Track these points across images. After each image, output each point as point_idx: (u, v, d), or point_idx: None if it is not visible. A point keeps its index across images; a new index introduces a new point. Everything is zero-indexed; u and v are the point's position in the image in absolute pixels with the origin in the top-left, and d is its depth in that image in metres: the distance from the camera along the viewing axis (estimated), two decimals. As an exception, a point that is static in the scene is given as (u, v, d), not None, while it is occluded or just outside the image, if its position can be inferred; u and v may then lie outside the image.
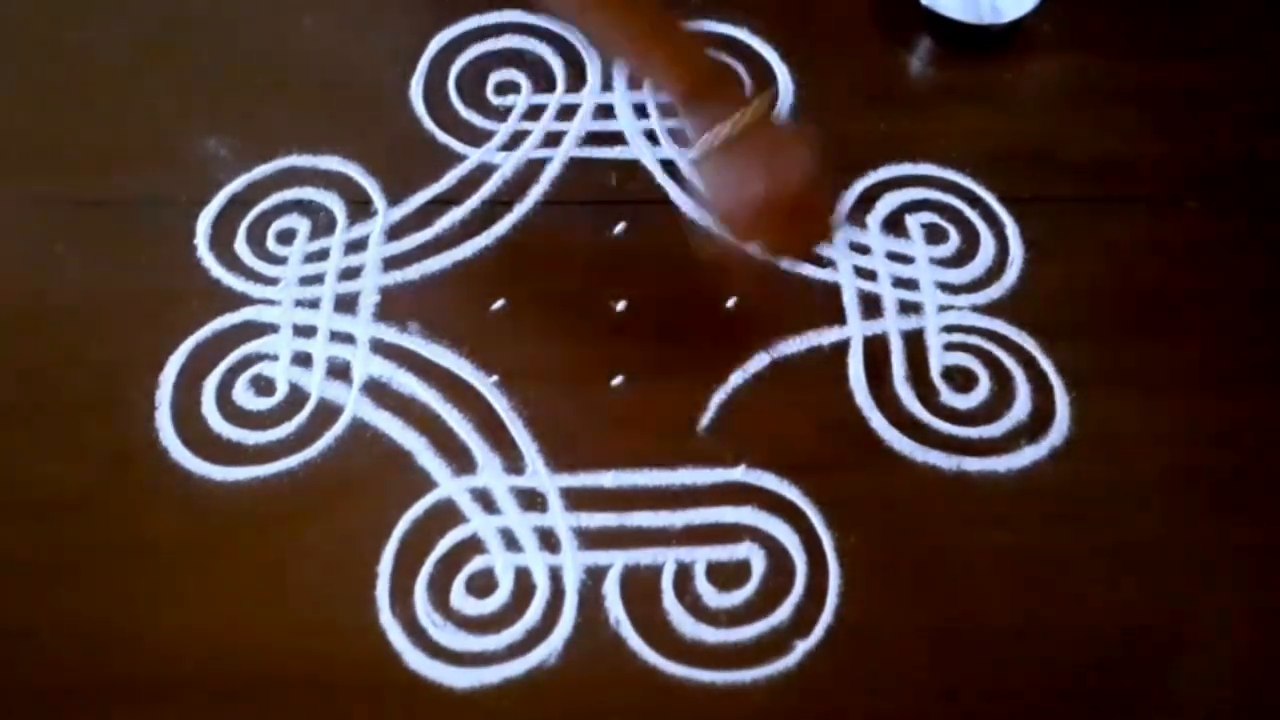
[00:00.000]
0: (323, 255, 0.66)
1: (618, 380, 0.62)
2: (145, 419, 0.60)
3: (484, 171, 0.69)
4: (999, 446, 0.60)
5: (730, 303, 0.65)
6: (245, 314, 0.64)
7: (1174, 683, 0.54)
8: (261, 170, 0.69)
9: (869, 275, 0.66)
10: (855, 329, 0.64)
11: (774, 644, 0.54)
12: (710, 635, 0.55)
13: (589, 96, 0.73)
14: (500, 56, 0.75)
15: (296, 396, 0.61)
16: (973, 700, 0.54)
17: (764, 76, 0.73)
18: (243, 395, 0.61)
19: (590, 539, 0.57)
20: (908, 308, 0.65)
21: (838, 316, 0.64)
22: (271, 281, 0.65)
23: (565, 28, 0.75)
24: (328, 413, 0.61)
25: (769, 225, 0.59)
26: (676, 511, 0.58)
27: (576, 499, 0.58)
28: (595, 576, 0.56)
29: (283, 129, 0.70)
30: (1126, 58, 0.75)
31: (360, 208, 0.68)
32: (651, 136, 0.71)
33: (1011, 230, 0.67)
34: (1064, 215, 0.68)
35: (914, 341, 0.63)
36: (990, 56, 0.75)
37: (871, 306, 0.65)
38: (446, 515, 0.58)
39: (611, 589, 0.56)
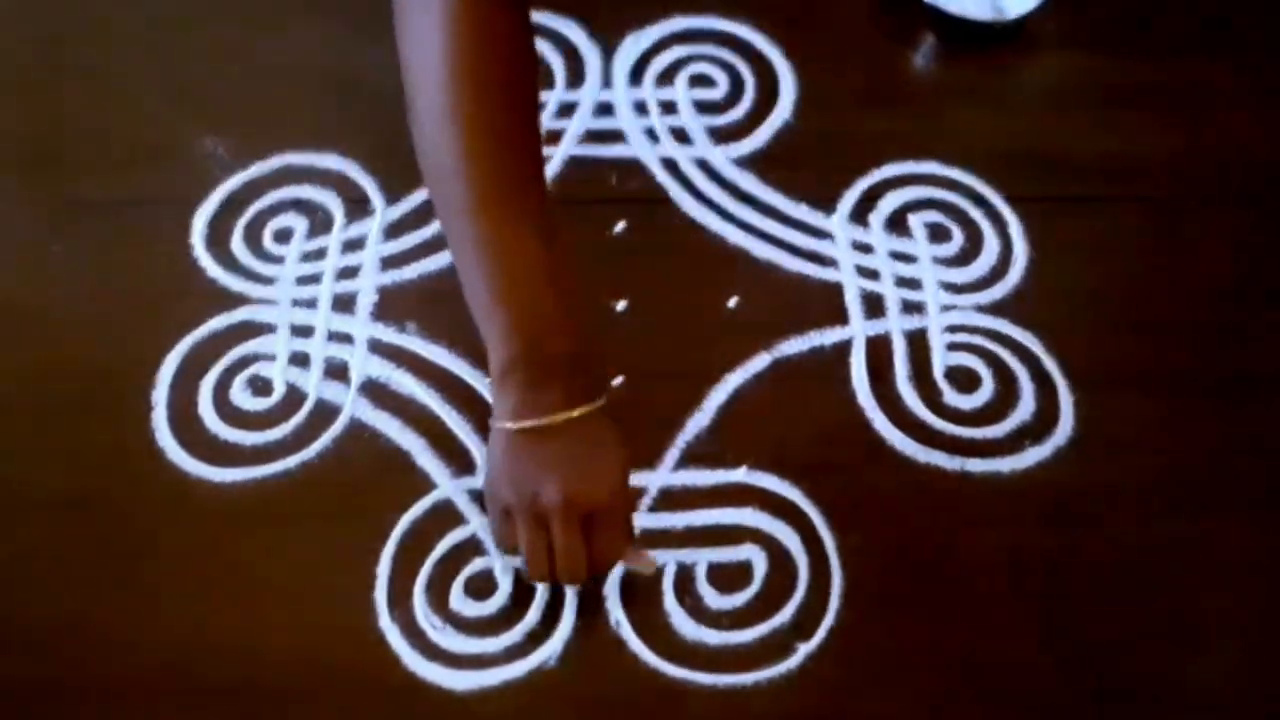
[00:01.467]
0: (320, 254, 0.66)
1: (618, 380, 0.61)
2: (141, 419, 0.60)
3: (483, 170, 0.69)
4: (1002, 447, 0.60)
5: (731, 303, 0.64)
6: (242, 314, 0.63)
7: (1177, 683, 0.54)
8: (258, 169, 0.68)
9: (871, 274, 0.65)
10: (857, 329, 0.63)
11: (776, 646, 0.54)
12: (711, 637, 0.54)
13: (588, 94, 0.72)
14: (500, 54, 0.74)
15: (294, 397, 0.61)
16: (974, 702, 0.53)
17: (767, 74, 0.73)
18: (240, 396, 0.61)
19: (590, 540, 0.57)
20: (910, 307, 0.64)
21: (840, 316, 0.64)
22: (268, 281, 0.65)
23: (564, 25, 0.75)
24: (325, 413, 0.60)
25: (524, 533, 0.51)
26: (677, 513, 0.58)
27: (576, 500, 0.58)
28: (595, 578, 0.55)
29: (279, 127, 0.70)
30: (1132, 56, 0.75)
31: (358, 206, 0.67)
32: (652, 134, 0.70)
33: (1015, 229, 0.67)
34: (1069, 214, 0.68)
35: (917, 341, 0.63)
36: (994, 54, 0.75)
37: (874, 306, 0.64)
38: (445, 516, 0.57)
39: (612, 591, 0.55)
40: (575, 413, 0.49)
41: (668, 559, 0.56)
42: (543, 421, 0.49)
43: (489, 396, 0.57)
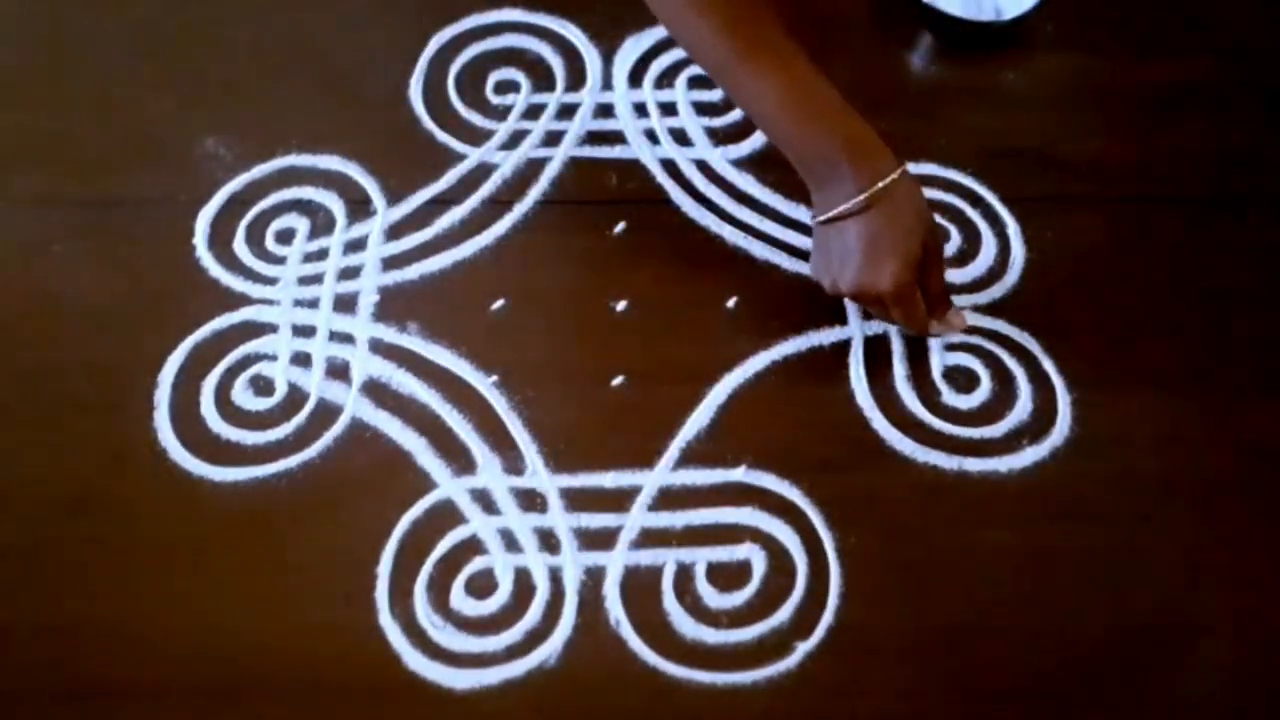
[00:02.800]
0: (322, 255, 0.66)
1: (618, 380, 0.62)
2: (144, 419, 0.60)
3: (483, 171, 0.69)
4: (1000, 447, 0.60)
5: (730, 303, 0.64)
6: (244, 314, 0.64)
7: (1174, 683, 0.54)
8: (260, 169, 0.69)
9: (870, 275, 0.66)
10: (856, 329, 0.64)
11: (775, 645, 0.54)
12: (711, 636, 0.55)
13: (589, 95, 0.72)
14: (500, 55, 0.74)
15: (295, 397, 0.61)
16: (974, 701, 0.54)
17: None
18: (241, 395, 0.61)
19: (590, 539, 0.57)
20: (909, 307, 0.65)
21: (839, 316, 0.64)
22: (270, 281, 0.65)
23: (564, 27, 0.75)
24: (327, 413, 0.60)
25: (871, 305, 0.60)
26: (677, 512, 0.58)
27: (576, 499, 0.58)
28: (595, 577, 0.56)
29: (282, 128, 0.70)
30: (1129, 56, 0.75)
31: (359, 207, 0.68)
32: (651, 136, 0.71)
33: (1013, 230, 0.67)
34: (1066, 215, 0.68)
35: (915, 341, 0.63)
36: (992, 55, 0.75)
37: (873, 306, 0.64)
38: (446, 516, 0.57)
39: (611, 590, 0.55)
40: (858, 200, 0.55)
41: (667, 558, 0.56)
42: (834, 212, 0.56)
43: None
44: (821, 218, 0.58)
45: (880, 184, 0.55)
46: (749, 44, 0.57)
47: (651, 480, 0.58)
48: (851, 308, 0.64)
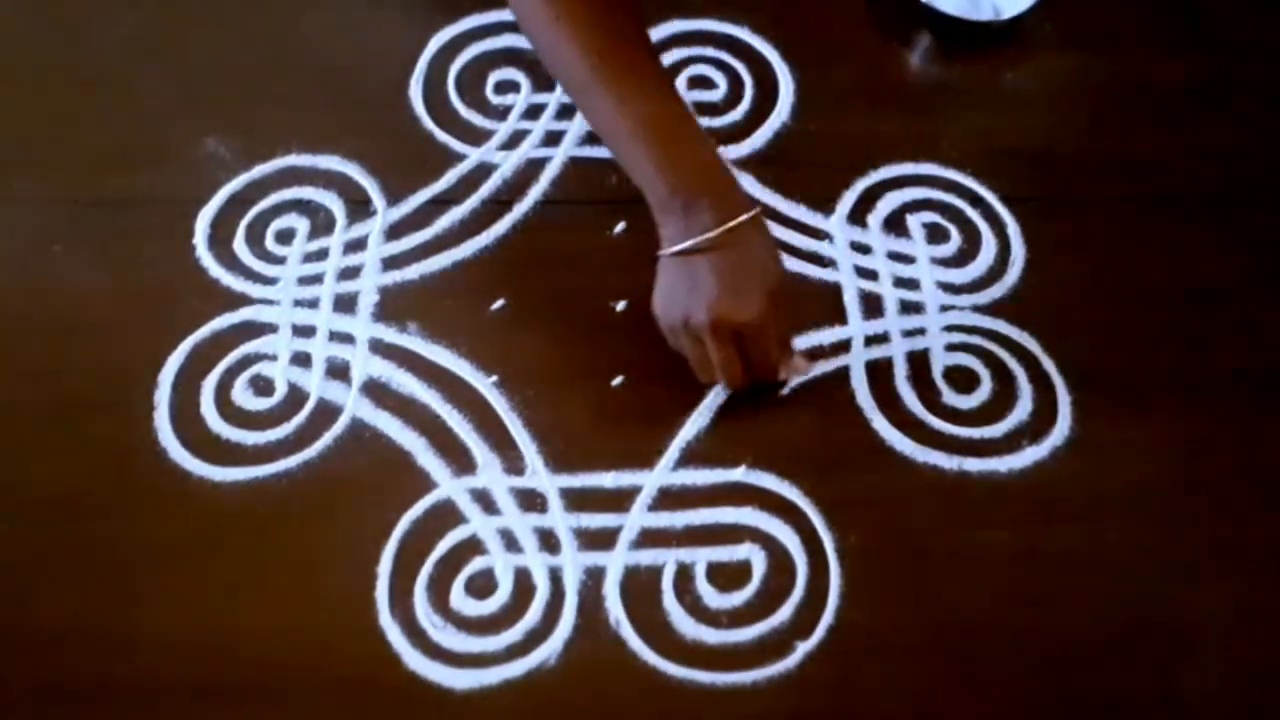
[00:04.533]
0: (322, 255, 0.66)
1: (618, 380, 0.62)
2: (144, 419, 0.60)
3: (484, 171, 0.69)
4: (1000, 447, 0.60)
5: (731, 302, 0.64)
6: (244, 314, 0.64)
7: (1174, 683, 0.54)
8: (260, 170, 0.69)
9: (870, 275, 0.66)
10: (856, 329, 0.64)
11: (775, 645, 0.54)
12: (711, 636, 0.55)
13: (589, 96, 0.72)
14: (500, 55, 0.74)
15: (295, 397, 0.61)
16: (973, 701, 0.54)
17: (766, 75, 0.73)
18: (242, 395, 0.61)
19: (590, 539, 0.57)
20: (909, 308, 0.65)
21: (838, 316, 0.64)
22: (270, 281, 0.65)
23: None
24: (327, 413, 0.60)
25: (696, 345, 0.57)
26: (677, 512, 0.58)
27: (576, 499, 0.58)
28: (595, 577, 0.56)
29: (282, 128, 0.70)
30: (1128, 55, 0.75)
31: (359, 207, 0.68)
32: (652, 136, 0.71)
33: (1013, 230, 0.67)
34: (1066, 214, 0.68)
35: (915, 342, 0.63)
36: (991, 55, 0.75)
37: (872, 306, 0.64)
38: (446, 516, 0.57)
39: (611, 590, 0.55)
40: (718, 231, 0.54)
41: (667, 558, 0.56)
42: (689, 244, 0.54)
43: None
44: (674, 249, 0.55)
45: (742, 217, 0.54)
46: (614, 69, 0.56)
47: (651, 480, 0.58)
48: (852, 307, 0.64)
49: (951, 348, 0.63)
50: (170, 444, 0.59)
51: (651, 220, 0.56)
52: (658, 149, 0.55)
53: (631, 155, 0.57)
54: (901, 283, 0.65)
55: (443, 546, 0.57)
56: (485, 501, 0.58)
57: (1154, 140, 0.71)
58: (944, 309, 0.65)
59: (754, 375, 0.58)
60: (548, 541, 0.57)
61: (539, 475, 0.59)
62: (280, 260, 0.66)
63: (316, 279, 0.65)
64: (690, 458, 0.59)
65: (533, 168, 0.69)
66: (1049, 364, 0.62)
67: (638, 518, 0.57)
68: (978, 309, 0.65)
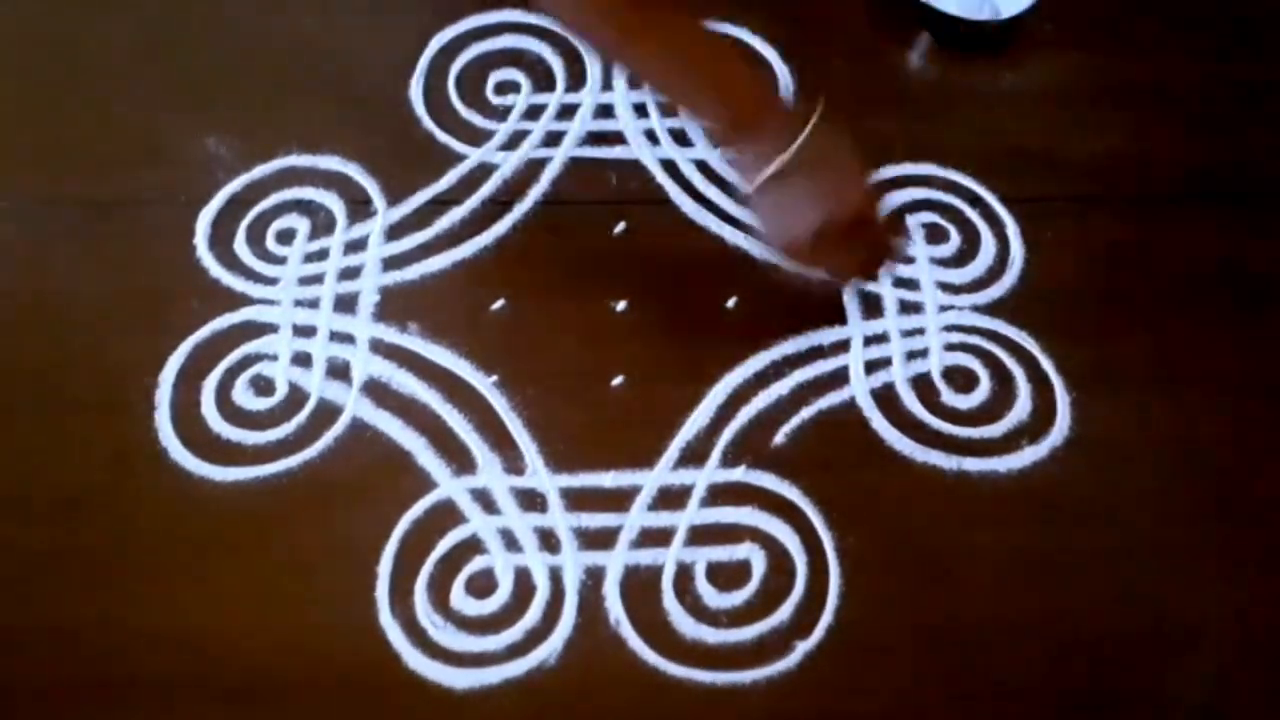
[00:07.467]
0: (322, 255, 0.66)
1: (618, 380, 0.62)
2: (144, 419, 0.60)
3: (484, 171, 0.69)
4: (999, 447, 0.60)
5: (730, 303, 0.65)
6: (245, 314, 0.64)
7: (1173, 683, 0.54)
8: (261, 170, 0.69)
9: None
10: (855, 329, 0.64)
11: (774, 644, 0.54)
12: (711, 636, 0.55)
13: (589, 96, 0.72)
14: (500, 56, 0.74)
15: (296, 396, 0.61)
16: (972, 701, 0.54)
17: (764, 75, 0.73)
18: (242, 395, 0.61)
19: (590, 539, 0.57)
20: (908, 307, 0.65)
21: (838, 316, 0.64)
22: (271, 281, 0.65)
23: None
24: (327, 413, 0.61)
25: (833, 250, 0.59)
26: (677, 512, 0.58)
27: (576, 499, 0.58)
28: (595, 577, 0.56)
29: (282, 129, 0.70)
30: (1127, 56, 0.75)
31: (360, 207, 0.68)
32: (651, 136, 0.71)
33: (1012, 230, 0.67)
34: (1065, 215, 0.68)
35: (915, 341, 0.63)
36: (990, 55, 0.75)
37: (872, 306, 0.64)
38: (446, 515, 0.58)
39: (611, 589, 0.56)
40: (797, 144, 0.54)
41: (667, 558, 0.57)
42: (775, 167, 0.55)
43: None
44: (764, 176, 0.56)
45: (813, 120, 0.55)
46: (647, 18, 0.55)
47: (651, 480, 0.59)
48: (851, 307, 0.64)
49: (950, 348, 0.63)
50: (171, 444, 0.59)
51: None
52: (710, 87, 0.56)
53: (687, 96, 0.58)
54: (901, 282, 0.65)
55: (443, 546, 0.57)
56: (485, 501, 0.58)
57: (1153, 140, 0.71)
58: (943, 309, 0.65)
59: (878, 256, 0.61)
60: (548, 541, 0.57)
61: (539, 475, 0.59)
62: (281, 260, 0.66)
63: (317, 279, 0.65)
64: (690, 458, 0.59)
65: (533, 168, 0.69)
66: (1048, 364, 0.63)
67: (637, 517, 0.57)
68: (977, 309, 0.65)
